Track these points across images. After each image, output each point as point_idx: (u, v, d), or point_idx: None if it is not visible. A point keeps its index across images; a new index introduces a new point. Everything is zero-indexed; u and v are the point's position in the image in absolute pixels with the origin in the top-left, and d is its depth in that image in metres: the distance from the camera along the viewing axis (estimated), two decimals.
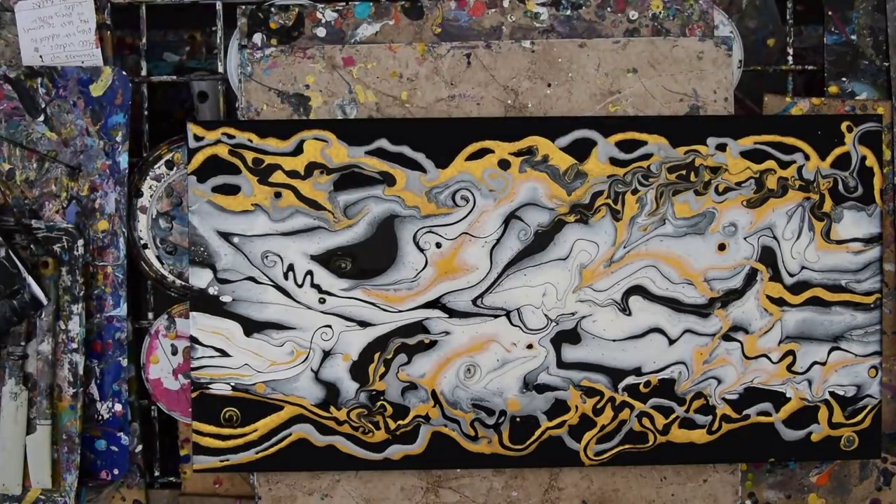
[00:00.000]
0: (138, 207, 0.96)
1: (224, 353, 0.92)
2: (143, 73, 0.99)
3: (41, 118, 0.93)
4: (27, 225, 0.92)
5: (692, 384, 0.95)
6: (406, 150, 0.92)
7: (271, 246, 0.92)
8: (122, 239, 0.94)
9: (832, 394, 0.96)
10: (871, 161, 0.95)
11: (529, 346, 0.94)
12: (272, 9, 0.96)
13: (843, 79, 1.00)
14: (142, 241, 0.96)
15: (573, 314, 0.94)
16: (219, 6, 0.99)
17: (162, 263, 0.96)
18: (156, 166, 0.96)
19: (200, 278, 0.92)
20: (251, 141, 0.92)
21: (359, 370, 0.93)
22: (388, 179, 0.92)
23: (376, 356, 0.93)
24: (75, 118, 0.93)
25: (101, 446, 0.95)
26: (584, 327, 0.94)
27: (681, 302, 0.94)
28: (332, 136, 0.92)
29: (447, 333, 0.93)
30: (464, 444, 0.94)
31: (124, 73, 0.94)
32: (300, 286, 0.92)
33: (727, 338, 0.95)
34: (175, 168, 0.96)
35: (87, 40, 0.95)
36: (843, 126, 0.95)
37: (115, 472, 0.95)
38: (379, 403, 0.93)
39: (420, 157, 0.92)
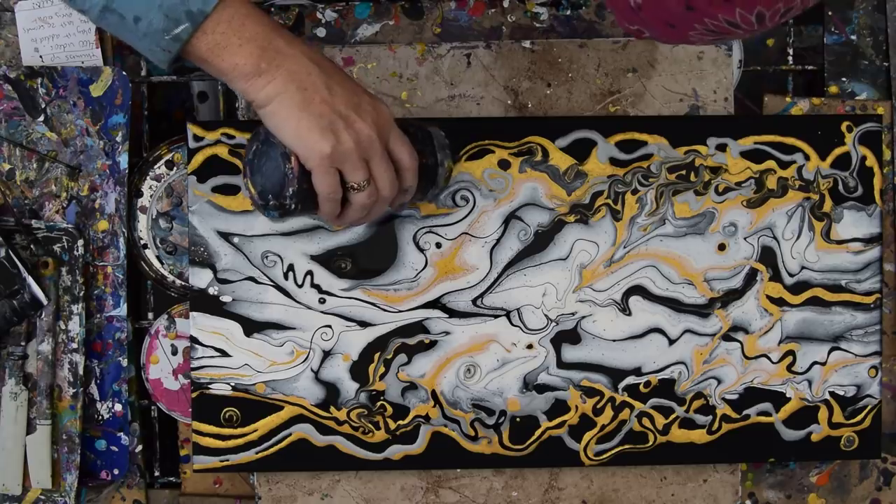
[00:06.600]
0: (138, 207, 0.96)
1: (224, 353, 0.92)
2: (143, 73, 0.99)
3: (41, 118, 0.93)
4: (27, 225, 0.92)
5: (692, 384, 0.95)
6: None
7: (271, 246, 0.92)
8: (122, 239, 0.94)
9: (832, 394, 0.96)
10: (871, 161, 0.95)
11: (529, 346, 0.94)
12: (272, 9, 0.96)
13: (843, 79, 1.00)
14: (142, 241, 0.96)
15: (573, 314, 0.94)
16: None
17: (162, 263, 0.96)
18: (156, 166, 0.96)
19: (200, 278, 0.92)
20: None
21: (359, 370, 0.93)
22: None
23: (376, 356, 0.93)
24: (75, 118, 0.93)
25: (101, 446, 0.95)
26: (584, 327, 0.94)
27: (681, 302, 0.94)
28: None
29: (447, 333, 0.93)
30: (464, 444, 0.94)
31: (124, 73, 0.94)
32: (300, 286, 0.92)
33: (727, 338, 0.95)
34: (175, 168, 0.96)
35: (87, 40, 0.95)
36: (843, 126, 0.95)
37: (115, 472, 0.95)
38: (379, 403, 0.93)
39: None
